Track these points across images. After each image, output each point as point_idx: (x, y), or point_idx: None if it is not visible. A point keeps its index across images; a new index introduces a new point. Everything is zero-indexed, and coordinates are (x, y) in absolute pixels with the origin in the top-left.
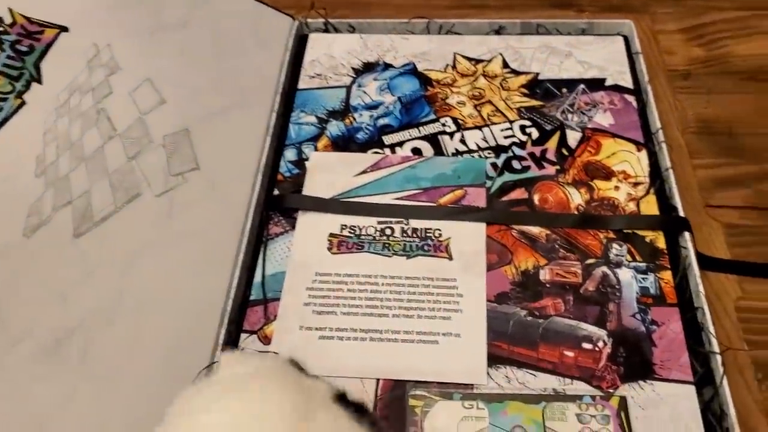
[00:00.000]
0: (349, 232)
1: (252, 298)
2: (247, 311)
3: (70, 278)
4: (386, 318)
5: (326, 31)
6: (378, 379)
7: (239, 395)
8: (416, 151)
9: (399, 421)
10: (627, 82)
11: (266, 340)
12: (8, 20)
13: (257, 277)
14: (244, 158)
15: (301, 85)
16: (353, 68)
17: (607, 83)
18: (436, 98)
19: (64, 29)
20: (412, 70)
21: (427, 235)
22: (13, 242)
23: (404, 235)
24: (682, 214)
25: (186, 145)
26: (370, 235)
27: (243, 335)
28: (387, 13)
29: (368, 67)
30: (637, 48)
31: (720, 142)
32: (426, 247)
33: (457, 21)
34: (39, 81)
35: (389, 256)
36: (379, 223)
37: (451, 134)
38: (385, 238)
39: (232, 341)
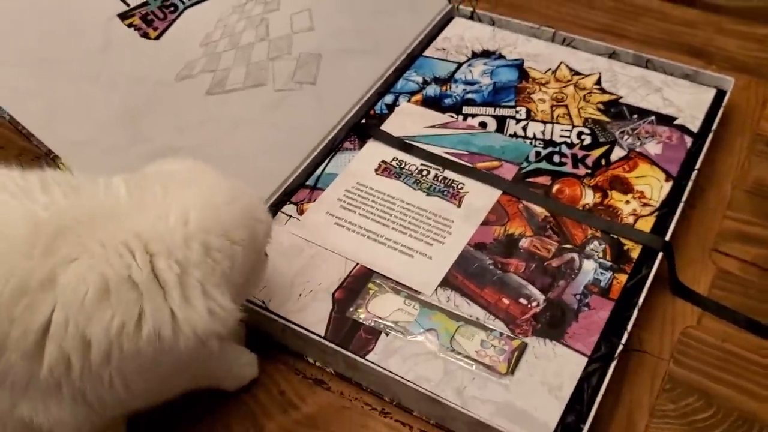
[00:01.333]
0: (396, 164)
1: (306, 183)
2: (299, 190)
3: (192, 119)
4: (386, 227)
5: (470, 18)
6: (356, 264)
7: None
8: (482, 125)
9: (354, 294)
10: (694, 126)
11: (301, 212)
12: None
13: (318, 171)
14: (352, 91)
15: (426, 52)
16: (473, 51)
17: (676, 122)
18: (524, 91)
19: None
20: (518, 65)
21: (452, 185)
22: (167, 81)
23: (435, 179)
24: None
25: (313, 65)
26: (410, 171)
27: (288, 204)
28: (535, 19)
29: (485, 54)
30: (725, 102)
31: (765, 208)
32: (445, 193)
33: (579, 37)
34: None
35: (414, 189)
36: (422, 165)
37: (519, 121)
38: (419, 176)
39: (276, 205)
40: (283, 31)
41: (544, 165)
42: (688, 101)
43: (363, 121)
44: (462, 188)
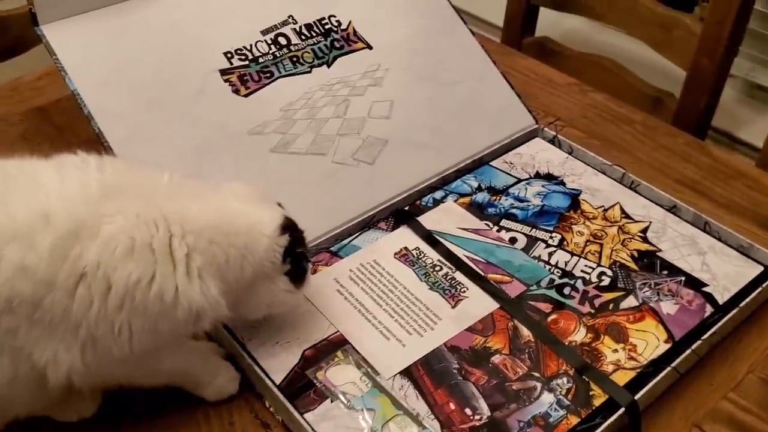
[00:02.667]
0: (415, 253)
1: (330, 248)
2: (322, 252)
3: (250, 169)
4: (378, 307)
5: (551, 141)
6: (337, 331)
7: None
8: (512, 240)
9: (322, 355)
10: (722, 297)
11: (313, 272)
12: (344, 25)
13: (345, 241)
14: (406, 179)
15: (493, 162)
16: (538, 171)
17: (705, 288)
18: (567, 219)
19: (369, 47)
20: (574, 195)
21: (456, 285)
22: (240, 132)
23: (444, 276)
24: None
25: (377, 148)
26: (424, 263)
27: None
28: (623, 157)
29: (548, 177)
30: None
31: None
32: (446, 291)
33: (645, 183)
34: (328, 66)
35: (420, 280)
36: (438, 261)
37: (548, 246)
38: (431, 269)
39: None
40: (360, 114)
41: (552, 293)
42: (727, 272)
43: (406, 208)
44: (464, 292)
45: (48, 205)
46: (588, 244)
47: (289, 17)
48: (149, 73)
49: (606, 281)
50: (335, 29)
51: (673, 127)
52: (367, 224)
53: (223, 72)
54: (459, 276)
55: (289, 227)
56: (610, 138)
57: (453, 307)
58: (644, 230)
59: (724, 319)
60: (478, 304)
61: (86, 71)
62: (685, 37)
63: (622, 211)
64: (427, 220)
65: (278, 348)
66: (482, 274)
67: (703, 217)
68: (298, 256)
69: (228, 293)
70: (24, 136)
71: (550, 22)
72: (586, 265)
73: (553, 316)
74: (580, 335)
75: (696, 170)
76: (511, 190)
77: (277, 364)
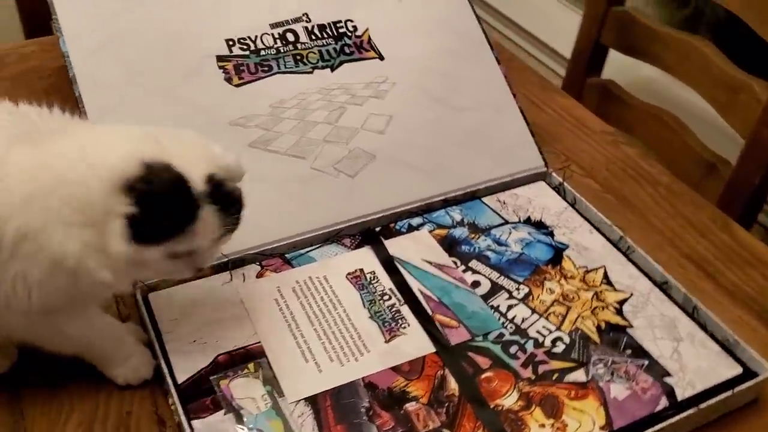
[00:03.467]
0: (369, 277)
1: (285, 254)
2: (275, 257)
3: None
4: (310, 326)
5: (555, 188)
6: (259, 342)
7: None
8: (475, 284)
9: (233, 364)
10: (682, 393)
11: (259, 276)
12: (360, 32)
13: (302, 251)
14: (386, 199)
15: (485, 198)
16: (529, 217)
17: (666, 379)
18: (542, 274)
19: (381, 58)
20: (559, 249)
21: (398, 320)
22: (220, 121)
23: (389, 308)
24: None
25: (361, 162)
26: (374, 289)
27: (255, 264)
28: (635, 221)
29: (537, 225)
30: (746, 387)
31: None
32: (385, 324)
33: (641, 252)
34: (332, 70)
35: (363, 307)
36: (389, 290)
37: (511, 298)
38: (379, 298)
39: (245, 259)
40: (352, 123)
41: (496, 349)
42: (699, 366)
43: (377, 229)
44: (404, 327)
45: None
46: (555, 304)
47: (303, 15)
48: (145, 46)
49: (560, 348)
50: (349, 34)
51: (701, 197)
52: (331, 238)
53: (220, 58)
54: (405, 310)
55: (155, 173)
56: (627, 197)
57: (387, 341)
58: (622, 302)
59: (676, 418)
60: (414, 344)
61: (82, 35)
62: (749, 102)
63: (605, 276)
64: (393, 245)
65: (194, 346)
66: (429, 313)
67: (693, 301)
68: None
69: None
70: (47, 90)
71: (619, 65)
72: (544, 326)
73: (489, 374)
74: (510, 400)
75: (711, 248)
76: (493, 231)
77: (186, 363)
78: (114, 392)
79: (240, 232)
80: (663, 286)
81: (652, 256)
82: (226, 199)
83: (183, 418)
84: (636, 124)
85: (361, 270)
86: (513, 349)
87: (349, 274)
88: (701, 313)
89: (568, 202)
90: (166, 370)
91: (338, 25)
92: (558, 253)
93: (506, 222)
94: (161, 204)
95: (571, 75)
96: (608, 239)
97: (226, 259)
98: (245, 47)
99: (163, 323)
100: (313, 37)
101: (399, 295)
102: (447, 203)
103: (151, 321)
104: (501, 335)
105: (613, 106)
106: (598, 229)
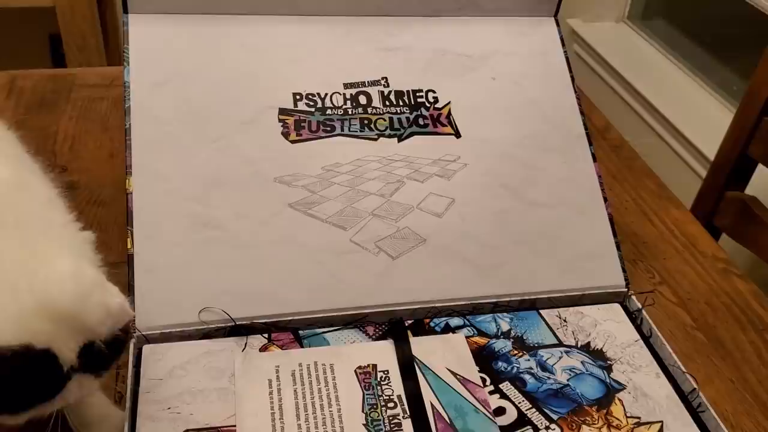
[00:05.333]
0: (380, 377)
1: (298, 330)
2: (286, 333)
3: (257, 212)
4: (295, 421)
5: (631, 315)
6: (235, 425)
7: None
8: (499, 410)
9: None
10: None
11: (263, 349)
12: (440, 104)
13: (317, 330)
14: (428, 290)
15: (544, 312)
16: (589, 344)
17: None
18: (583, 415)
19: (457, 136)
20: (613, 389)
21: (393, 431)
22: (266, 176)
23: (390, 419)
24: None
25: (409, 243)
26: (380, 392)
27: (262, 336)
28: (710, 365)
29: (595, 354)
30: None
31: None
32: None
33: (714, 414)
34: (399, 140)
35: (361, 411)
36: (397, 397)
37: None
38: (384, 405)
39: (254, 328)
40: (408, 201)
41: None
42: None
43: (408, 322)
44: None
45: None
46: None
47: (382, 78)
48: (208, 87)
49: None
50: (427, 105)
51: None
52: (354, 322)
53: (282, 111)
54: (406, 426)
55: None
56: (724, 341)
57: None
58: None
59: None
60: None
61: (147, 67)
62: None
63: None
64: (419, 344)
65: (165, 414)
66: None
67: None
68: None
69: None
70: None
71: (766, 182)
72: None
73: None
74: None
75: None
76: (540, 352)
77: (150, 429)
78: None
79: (255, 297)
80: None
81: (732, 421)
82: (101, 363)
83: None
84: None
85: (374, 366)
86: None
87: (359, 368)
88: None
89: (641, 334)
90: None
91: (418, 94)
92: (610, 394)
93: (560, 344)
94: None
95: (709, 183)
96: (677, 389)
97: (233, 323)
98: (312, 104)
99: (145, 381)
100: (387, 103)
101: (406, 406)
102: (498, 308)
103: (134, 376)
104: None
105: (751, 227)
106: (668, 374)
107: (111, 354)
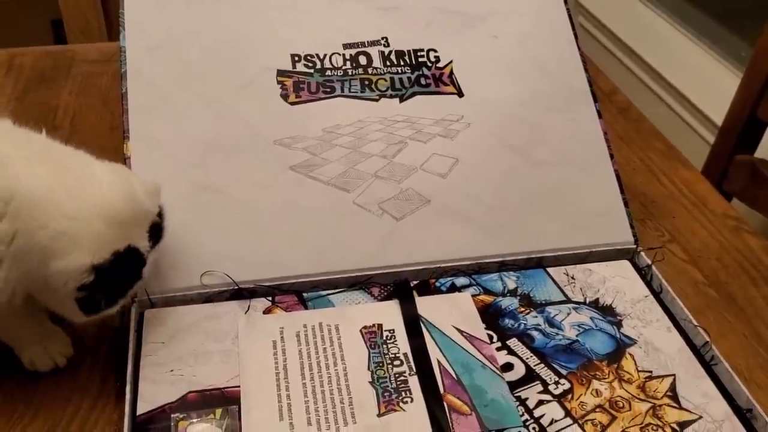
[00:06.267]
0: (386, 335)
1: (303, 293)
2: (290, 294)
3: (258, 177)
4: (298, 382)
5: (640, 271)
6: (239, 386)
7: None
8: (507, 366)
9: (202, 406)
10: None
11: (266, 311)
12: (442, 63)
13: (322, 292)
14: (433, 250)
15: (551, 270)
16: (597, 299)
17: None
18: (593, 370)
19: (460, 95)
20: (624, 343)
21: (402, 391)
22: (266, 139)
23: (396, 375)
24: None
25: (413, 204)
26: (386, 350)
27: (266, 299)
28: (723, 320)
29: (605, 310)
30: None
31: None
32: (386, 392)
33: (727, 367)
34: (401, 100)
35: (367, 369)
36: (403, 354)
37: (547, 392)
38: (389, 361)
39: (257, 291)
40: (411, 161)
41: None
42: None
43: (413, 282)
44: (405, 402)
45: None
46: (597, 410)
47: (382, 38)
48: (205, 49)
49: None
50: (429, 65)
51: None
52: (359, 284)
53: (280, 72)
54: (413, 382)
55: (107, 268)
56: (736, 297)
57: (380, 414)
58: (684, 424)
59: None
60: (410, 425)
61: (143, 31)
62: None
63: (672, 388)
64: (425, 303)
65: (168, 377)
66: (441, 391)
67: None
68: (93, 295)
69: (14, 275)
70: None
71: None
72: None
73: None
74: None
75: None
76: (548, 309)
77: (153, 393)
78: (82, 407)
79: (258, 261)
80: (745, 414)
81: (746, 375)
82: (159, 235)
83: None
84: None
85: (380, 326)
86: None
87: (364, 327)
88: None
89: (652, 290)
90: (128, 397)
91: (419, 53)
92: (620, 349)
93: (568, 300)
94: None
95: (718, 147)
96: (689, 343)
97: (236, 287)
98: (310, 65)
99: (147, 345)
100: (388, 63)
101: (412, 363)
102: (504, 267)
103: (136, 340)
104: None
105: (762, 190)
106: (680, 329)
107: (162, 223)
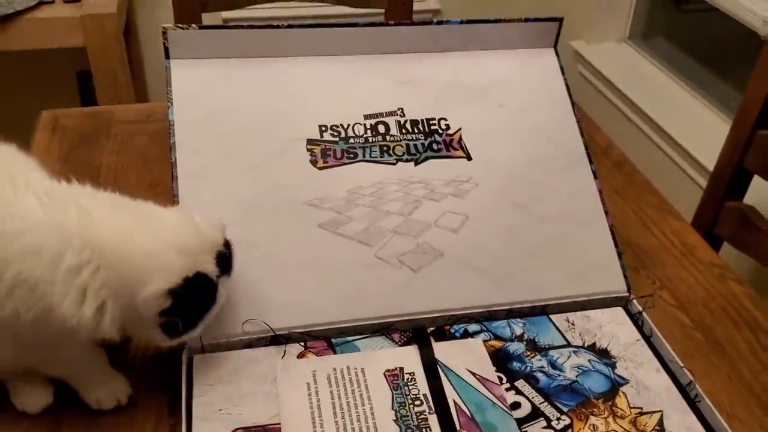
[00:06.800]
0: (407, 378)
1: (332, 339)
2: (320, 341)
3: (289, 233)
4: (331, 419)
5: (632, 317)
6: (279, 424)
7: None
8: (514, 405)
9: None
10: None
11: (300, 356)
12: (452, 130)
13: (348, 338)
14: (447, 299)
15: (554, 316)
16: (594, 344)
17: None
18: (591, 407)
19: (468, 158)
20: (617, 383)
21: (420, 426)
22: (296, 200)
23: (417, 414)
24: None
25: (428, 258)
26: (407, 392)
27: (298, 344)
28: (708, 363)
29: (600, 353)
30: None
31: None
32: (406, 426)
33: (708, 403)
34: (416, 164)
35: (390, 408)
36: (423, 396)
37: (549, 427)
38: (410, 402)
39: (292, 337)
40: (426, 218)
41: None
42: None
43: (430, 329)
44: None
45: None
46: None
47: (399, 109)
48: (242, 123)
49: None
50: (440, 132)
51: None
52: (381, 330)
53: (309, 141)
54: (432, 420)
55: (181, 292)
56: (720, 340)
57: None
58: None
59: None
60: None
61: (188, 107)
62: None
63: (659, 423)
64: (441, 348)
65: (218, 415)
66: (457, 428)
67: None
68: (172, 319)
69: (123, 314)
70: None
71: (764, 191)
72: None
73: None
74: None
75: None
76: (551, 352)
77: (204, 430)
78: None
79: (292, 309)
80: None
81: (728, 411)
82: (228, 265)
83: None
84: None
85: (401, 369)
86: None
87: (387, 370)
88: None
89: (643, 335)
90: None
91: (431, 122)
92: (614, 388)
93: (569, 344)
94: (194, 304)
95: (709, 194)
96: (676, 382)
97: (273, 334)
98: (336, 134)
99: (197, 387)
100: (404, 131)
101: (431, 403)
102: (512, 314)
103: (187, 382)
104: None
105: (750, 235)
106: (667, 369)
107: (230, 255)
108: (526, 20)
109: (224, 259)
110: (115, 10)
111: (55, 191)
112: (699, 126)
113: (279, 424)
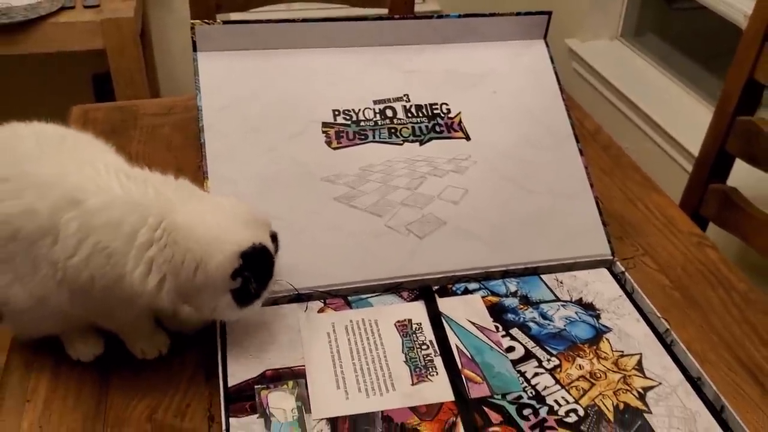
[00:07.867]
0: (414, 327)
1: (348, 297)
2: (338, 298)
3: (306, 205)
4: (350, 362)
5: (616, 277)
6: (304, 365)
7: None
8: (510, 348)
9: (276, 379)
10: None
11: (320, 311)
12: (453, 114)
13: (363, 296)
14: (448, 262)
15: (545, 277)
16: (581, 299)
17: None
18: (577, 351)
19: (467, 139)
20: (601, 332)
21: (429, 366)
22: (314, 176)
23: (425, 357)
24: None
25: (432, 226)
26: (415, 338)
27: (318, 301)
28: (685, 316)
29: (587, 307)
30: None
31: None
32: (416, 368)
33: (682, 345)
34: (421, 144)
35: (400, 351)
36: (429, 341)
37: (541, 366)
38: (417, 347)
39: (312, 296)
40: (430, 192)
41: (510, 408)
42: None
43: (434, 288)
44: (432, 375)
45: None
46: (580, 379)
47: (404, 95)
48: (264, 108)
49: (572, 419)
50: (442, 115)
51: None
52: (392, 289)
53: (324, 124)
54: (437, 361)
55: (251, 255)
56: (696, 298)
57: (413, 384)
58: (647, 389)
59: None
60: (437, 390)
61: (215, 94)
62: None
63: (639, 363)
64: (445, 303)
65: (250, 359)
66: (459, 366)
67: (722, 401)
68: (246, 281)
69: (177, 288)
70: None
71: (745, 174)
72: (563, 397)
73: (496, 429)
74: None
75: None
76: (542, 306)
77: (239, 371)
78: (180, 388)
79: (312, 272)
80: (695, 381)
81: (701, 355)
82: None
83: (223, 415)
84: (751, 234)
85: (410, 320)
86: (527, 411)
87: (398, 321)
88: (727, 413)
89: (625, 292)
90: (221, 374)
91: (434, 106)
92: (598, 335)
93: (557, 299)
94: (250, 280)
95: (695, 177)
96: (654, 330)
97: (296, 293)
98: (348, 117)
99: (230, 336)
100: (410, 115)
101: (436, 347)
102: (506, 274)
103: (221, 333)
104: (519, 397)
105: (732, 215)
106: (646, 320)
107: (276, 234)
108: (518, 14)
109: (275, 239)
110: (133, 15)
111: (132, 173)
112: (686, 116)
113: (303, 366)
